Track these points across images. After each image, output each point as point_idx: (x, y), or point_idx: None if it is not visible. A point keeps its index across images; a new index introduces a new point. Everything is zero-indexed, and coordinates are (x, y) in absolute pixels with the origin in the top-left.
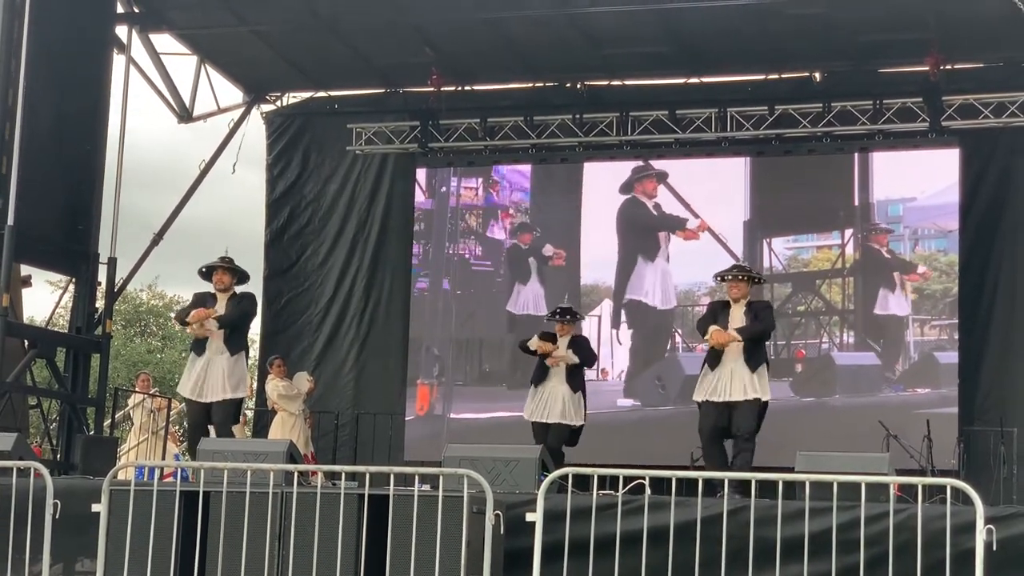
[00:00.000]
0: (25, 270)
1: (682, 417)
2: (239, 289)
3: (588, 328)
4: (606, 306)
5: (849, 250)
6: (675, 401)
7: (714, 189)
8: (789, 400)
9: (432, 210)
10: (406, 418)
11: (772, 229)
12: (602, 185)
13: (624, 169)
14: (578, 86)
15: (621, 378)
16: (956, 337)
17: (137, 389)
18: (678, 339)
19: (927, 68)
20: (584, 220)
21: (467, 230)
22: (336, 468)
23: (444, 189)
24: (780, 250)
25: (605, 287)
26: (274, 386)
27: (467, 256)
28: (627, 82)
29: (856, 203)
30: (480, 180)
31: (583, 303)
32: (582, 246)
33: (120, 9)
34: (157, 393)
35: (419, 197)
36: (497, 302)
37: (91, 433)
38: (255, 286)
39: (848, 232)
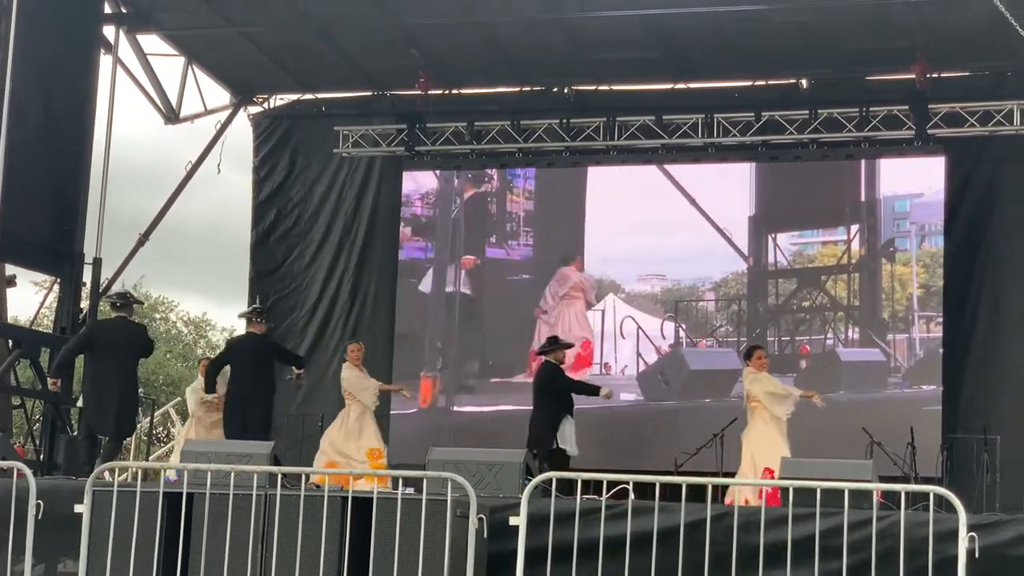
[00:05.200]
0: (10, 270)
1: (685, 412)
2: None
3: (593, 322)
4: (610, 300)
5: (855, 246)
6: (678, 396)
7: (719, 184)
8: None
9: (437, 203)
10: (407, 412)
11: (777, 224)
12: (607, 183)
13: (624, 170)
14: (565, 91)
15: (624, 373)
16: None
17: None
18: (682, 334)
19: (913, 76)
20: (588, 217)
21: (470, 223)
22: (320, 471)
23: (450, 182)
24: (785, 245)
25: (609, 282)
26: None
27: (471, 248)
28: (614, 87)
29: (863, 199)
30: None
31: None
32: (587, 242)
33: (108, 10)
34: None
35: (425, 188)
36: (502, 295)
37: (74, 434)
38: (240, 288)
39: (854, 228)
